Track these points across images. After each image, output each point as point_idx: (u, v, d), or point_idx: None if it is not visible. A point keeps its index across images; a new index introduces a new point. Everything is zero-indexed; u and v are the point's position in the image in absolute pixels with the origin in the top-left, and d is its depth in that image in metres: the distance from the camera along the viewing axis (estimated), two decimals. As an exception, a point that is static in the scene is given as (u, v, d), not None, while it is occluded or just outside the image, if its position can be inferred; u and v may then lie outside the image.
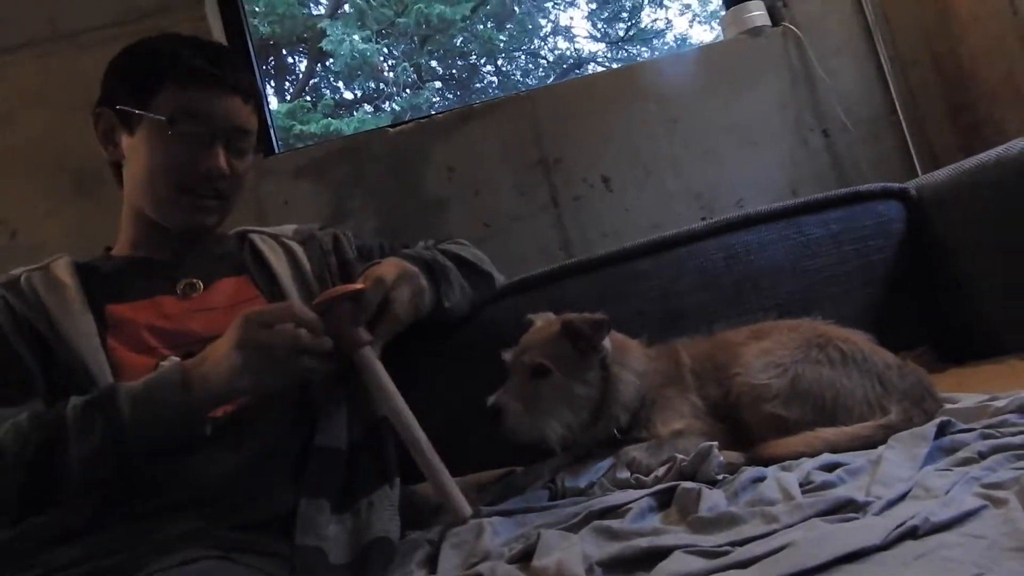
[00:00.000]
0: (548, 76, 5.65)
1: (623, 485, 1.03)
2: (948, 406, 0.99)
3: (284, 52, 5.38)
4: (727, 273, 1.39)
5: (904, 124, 1.97)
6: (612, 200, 1.95)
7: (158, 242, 1.16)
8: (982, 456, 0.77)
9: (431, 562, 0.91)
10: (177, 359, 1.00)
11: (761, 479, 0.88)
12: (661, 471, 1.01)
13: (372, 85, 5.88)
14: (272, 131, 2.14)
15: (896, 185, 1.48)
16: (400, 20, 5.35)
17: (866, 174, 1.92)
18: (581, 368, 1.11)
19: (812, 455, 0.94)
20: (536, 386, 1.09)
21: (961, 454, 0.80)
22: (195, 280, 1.13)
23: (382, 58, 5.65)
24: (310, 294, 1.17)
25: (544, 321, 1.18)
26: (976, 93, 1.95)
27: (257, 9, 5.45)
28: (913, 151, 1.96)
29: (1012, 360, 1.17)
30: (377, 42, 5.33)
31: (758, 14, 2.03)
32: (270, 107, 2.16)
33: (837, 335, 1.08)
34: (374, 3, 5.54)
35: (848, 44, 2.02)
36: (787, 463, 0.94)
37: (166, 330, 1.06)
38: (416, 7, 5.19)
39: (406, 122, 2.02)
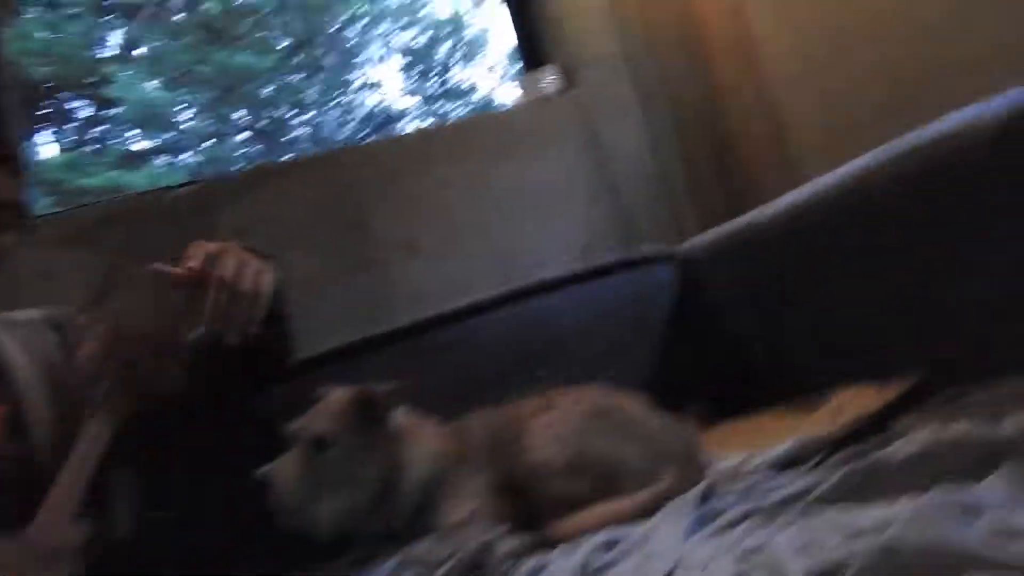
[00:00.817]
0: (361, 130, 5.59)
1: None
2: (717, 465, 1.05)
3: (63, 97, 4.87)
4: (522, 341, 1.42)
5: (680, 187, 2.15)
6: (419, 264, 1.93)
7: None
8: (736, 523, 0.82)
9: None
10: None
11: (541, 569, 0.88)
12: (448, 565, 0.97)
13: (169, 135, 5.48)
14: (30, 192, 1.90)
15: (669, 248, 1.60)
16: (199, 68, 5.06)
17: (650, 234, 2.06)
18: (368, 444, 1.06)
19: (598, 530, 0.96)
20: (317, 460, 1.02)
21: (722, 520, 0.84)
22: None
23: (180, 107, 5.29)
24: (57, 389, 1.04)
25: (332, 394, 1.12)
26: (739, 157, 2.19)
27: (31, 48, 4.91)
28: (688, 212, 2.14)
29: (771, 413, 1.28)
30: (173, 90, 4.99)
31: (551, 79, 2.14)
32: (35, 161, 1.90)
33: (616, 402, 1.13)
34: (170, 49, 5.20)
35: (631, 111, 2.18)
36: (572, 543, 0.94)
37: None
38: (218, 55, 4.95)
39: (191, 183, 1.88)
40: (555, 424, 1.08)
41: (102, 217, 1.78)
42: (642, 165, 2.15)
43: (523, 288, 1.50)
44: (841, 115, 1.76)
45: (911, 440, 0.76)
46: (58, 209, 2.24)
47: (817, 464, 0.91)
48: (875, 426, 0.93)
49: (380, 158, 1.97)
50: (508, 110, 2.29)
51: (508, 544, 0.96)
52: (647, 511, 0.97)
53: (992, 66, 1.37)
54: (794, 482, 0.86)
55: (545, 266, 1.98)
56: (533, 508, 1.06)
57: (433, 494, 1.07)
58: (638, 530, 0.90)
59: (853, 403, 1.06)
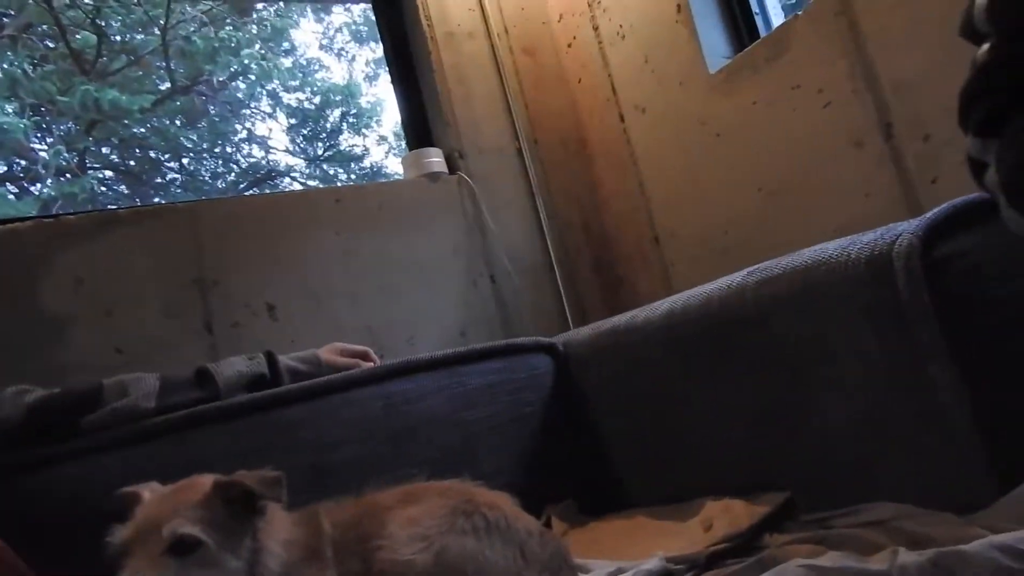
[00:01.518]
0: (240, 182, 5.37)
1: None
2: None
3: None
4: (385, 423, 1.32)
5: (559, 278, 2.17)
6: (276, 329, 1.79)
7: None
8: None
9: None
10: None
11: None
12: None
13: (20, 163, 5.02)
14: None
15: (546, 340, 1.58)
16: (62, 99, 4.70)
17: (527, 321, 2.06)
18: (236, 539, 0.91)
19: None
20: (178, 566, 0.85)
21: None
22: None
23: (36, 136, 4.87)
24: None
25: (152, 491, 0.96)
26: (616, 255, 2.25)
27: None
28: (566, 303, 2.15)
29: (639, 516, 1.25)
30: (29, 118, 4.59)
31: (436, 160, 2.13)
32: None
33: (483, 500, 1.05)
34: (32, 75, 4.82)
35: (515, 201, 2.20)
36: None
37: None
38: (83, 88, 4.63)
39: (33, 218, 1.67)
40: (418, 520, 0.99)
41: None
42: (524, 254, 2.17)
43: (390, 367, 1.40)
44: (716, 230, 1.86)
45: (784, 571, 0.73)
46: None
47: (689, 582, 0.88)
48: (747, 544, 0.91)
49: (245, 214, 1.85)
50: (392, 182, 2.26)
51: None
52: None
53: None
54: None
55: (417, 344, 1.92)
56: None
57: None
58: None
59: (722, 517, 1.04)
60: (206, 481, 0.93)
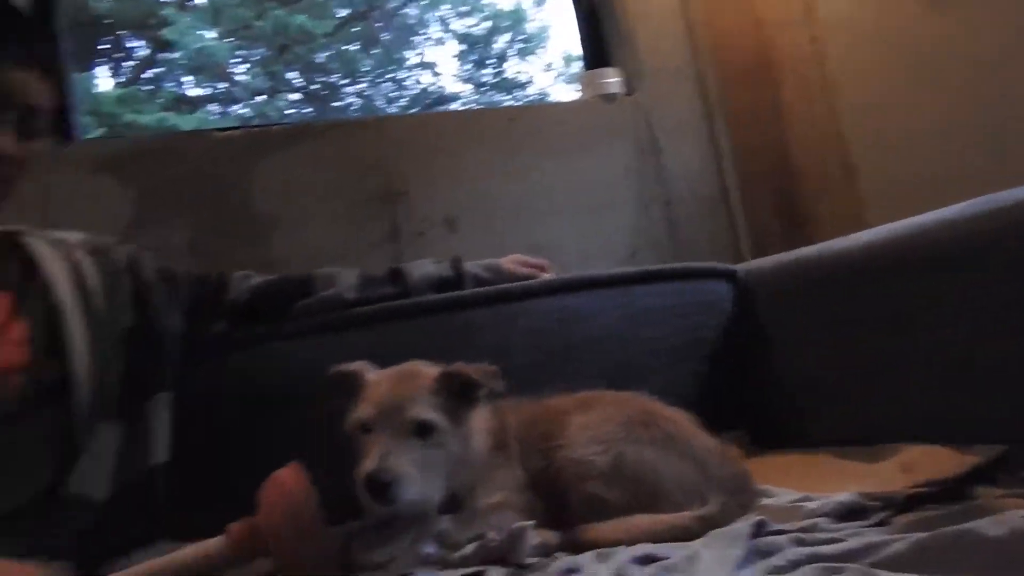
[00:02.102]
0: (411, 107, 5.55)
1: (427, 562, 0.91)
2: (764, 501, 0.97)
3: (122, 35, 4.87)
4: (559, 335, 1.34)
5: (736, 208, 2.07)
6: (455, 242, 1.86)
7: None
8: (795, 565, 0.74)
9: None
10: None
11: (575, 570, 0.80)
12: (470, 549, 0.91)
13: (221, 86, 5.48)
14: (73, 114, 1.85)
15: (725, 267, 1.52)
16: (257, 24, 5.04)
17: (700, 249, 1.99)
18: (459, 423, 0.99)
19: (629, 543, 0.88)
20: (422, 447, 0.93)
21: (774, 560, 0.76)
22: None
23: (235, 59, 5.28)
24: (91, 312, 1.00)
25: (370, 371, 1.04)
26: (800, 187, 2.10)
27: (92, -18, 4.92)
28: (741, 235, 2.06)
29: (823, 453, 1.19)
30: (229, 42, 4.98)
31: (613, 81, 2.07)
32: (70, 84, 1.85)
33: (662, 414, 1.05)
34: (229, 1, 5.19)
35: (691, 125, 2.10)
36: (604, 551, 0.87)
37: None
38: (275, 13, 4.92)
39: (235, 128, 1.82)
40: (595, 425, 1.01)
41: (140, 149, 1.74)
42: (699, 180, 2.08)
43: (566, 281, 1.42)
44: (912, 166, 1.68)
45: (1001, 521, 0.67)
46: (98, 134, 2.19)
47: (882, 521, 0.83)
48: (952, 493, 0.84)
49: (426, 130, 1.91)
50: (565, 104, 2.22)
51: (535, 539, 0.88)
52: (686, 535, 0.89)
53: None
54: (860, 535, 0.77)
55: (585, 266, 1.92)
56: (563, 507, 0.99)
57: (476, 470, 1.00)
58: (679, 551, 0.82)
59: (925, 462, 0.97)
60: (426, 369, 1.00)
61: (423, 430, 0.94)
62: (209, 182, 1.74)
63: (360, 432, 0.95)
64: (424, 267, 1.38)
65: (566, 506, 0.99)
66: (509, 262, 1.49)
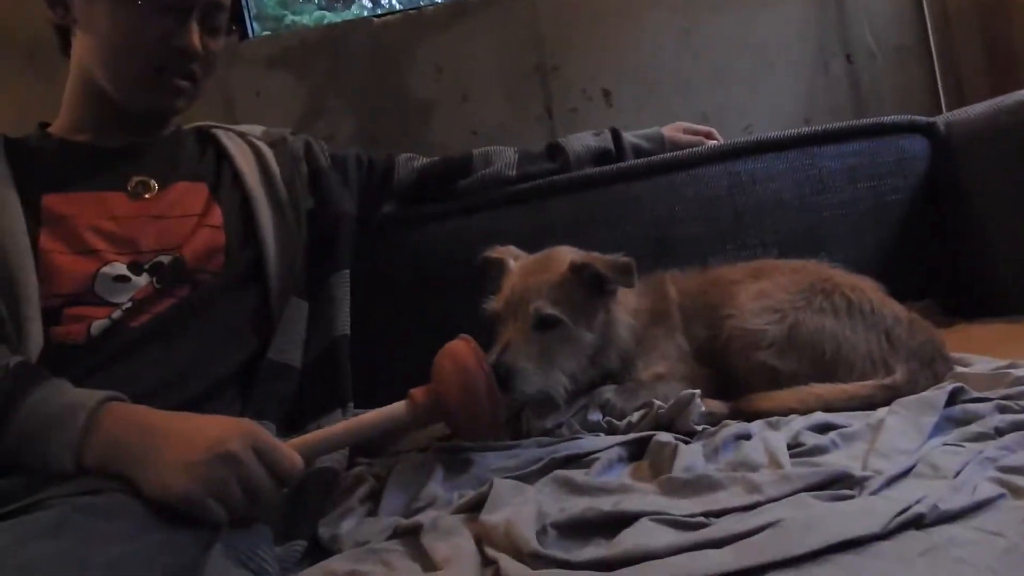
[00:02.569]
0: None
1: (593, 429, 0.94)
2: (960, 369, 0.89)
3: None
4: (728, 203, 1.27)
5: (935, 54, 1.80)
6: (611, 116, 1.80)
7: (110, 126, 1.02)
8: (999, 433, 0.68)
9: (374, 498, 0.83)
10: (116, 315, 0.89)
11: (745, 437, 0.79)
12: (635, 417, 0.92)
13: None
14: (248, 12, 1.95)
15: (924, 119, 1.34)
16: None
17: (888, 108, 1.77)
18: (589, 314, 0.99)
19: (803, 412, 0.85)
20: (542, 339, 0.95)
21: (974, 428, 0.71)
22: (148, 179, 1.00)
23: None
24: (276, 198, 1.07)
25: (515, 257, 1.05)
26: (1016, 27, 1.78)
27: None
28: (942, 90, 1.80)
29: (1032, 321, 1.07)
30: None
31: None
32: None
33: (844, 281, 0.98)
34: None
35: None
36: (775, 419, 0.85)
37: (113, 233, 0.93)
38: None
39: (391, 12, 1.83)
40: (769, 293, 0.96)
41: (307, 43, 1.80)
42: (890, 28, 1.82)
43: (738, 144, 1.33)
44: None
45: None
46: (268, 32, 2.29)
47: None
48: None
49: (572, 1, 1.81)
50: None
51: (702, 407, 0.88)
52: (867, 404, 0.85)
53: None
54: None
55: (753, 132, 1.78)
56: (728, 380, 0.97)
57: (629, 349, 1.01)
58: (860, 420, 0.78)
59: None
60: (563, 258, 1.00)
61: (543, 324, 0.95)
62: (371, 69, 1.78)
63: (494, 321, 0.98)
64: (583, 140, 1.34)
65: (734, 377, 0.97)
66: (672, 130, 1.41)
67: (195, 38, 0.97)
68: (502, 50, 1.79)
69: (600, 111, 1.80)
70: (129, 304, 0.90)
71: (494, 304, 0.99)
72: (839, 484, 0.64)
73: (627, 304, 1.04)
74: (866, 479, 0.63)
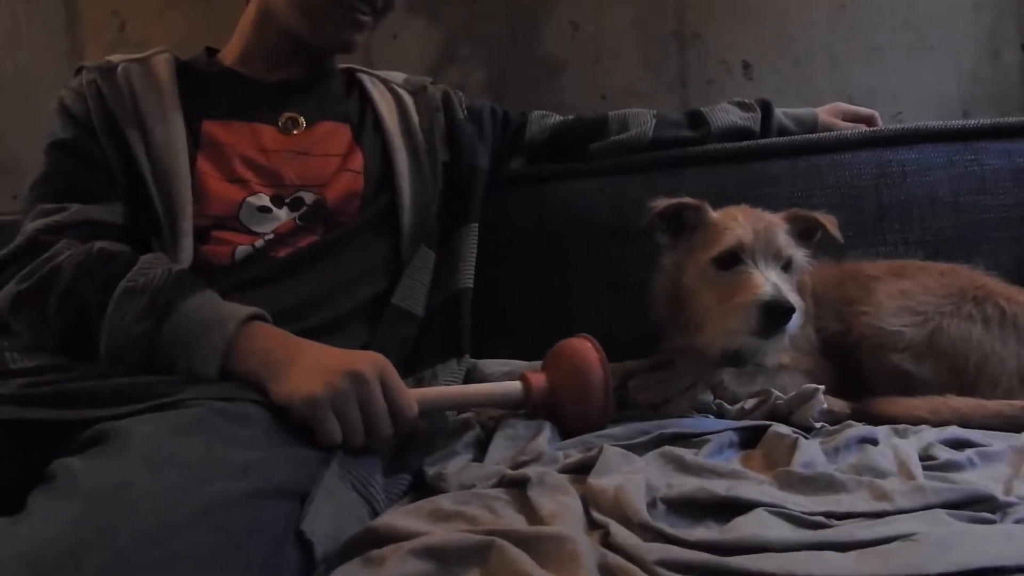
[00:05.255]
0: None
1: (702, 409, 0.92)
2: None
3: None
4: (873, 194, 1.19)
5: None
6: (750, 89, 1.71)
7: (276, 59, 1.06)
8: None
9: (480, 446, 0.84)
10: (258, 244, 0.93)
11: (871, 441, 0.75)
12: (750, 404, 0.89)
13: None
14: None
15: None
16: None
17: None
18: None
19: (935, 424, 0.80)
20: (786, 279, 0.91)
21: None
22: (298, 116, 1.04)
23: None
24: (414, 147, 1.10)
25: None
26: None
27: None
28: None
29: None
30: None
31: None
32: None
33: (1000, 291, 0.90)
34: None
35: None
36: (902, 427, 0.80)
37: (261, 165, 0.98)
38: None
39: (520, -31, 1.80)
40: (912, 294, 0.90)
41: (446, -8, 1.80)
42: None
43: (891, 131, 1.23)
44: None
45: None
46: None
47: None
48: None
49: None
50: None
51: (823, 404, 0.84)
52: (1011, 425, 0.79)
53: None
54: None
55: (904, 120, 1.66)
56: (854, 379, 0.92)
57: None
58: (1002, 441, 0.73)
59: None
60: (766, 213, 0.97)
61: (789, 265, 0.92)
62: (507, 22, 1.77)
63: (727, 260, 0.91)
64: (729, 115, 1.28)
65: (861, 376, 0.92)
66: (828, 112, 1.33)
67: None
68: (641, 13, 1.73)
69: (738, 84, 1.71)
70: (271, 236, 0.94)
71: (742, 236, 0.91)
72: (979, 506, 0.59)
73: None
74: (1010, 505, 0.59)
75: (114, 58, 1.02)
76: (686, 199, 0.98)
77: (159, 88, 0.98)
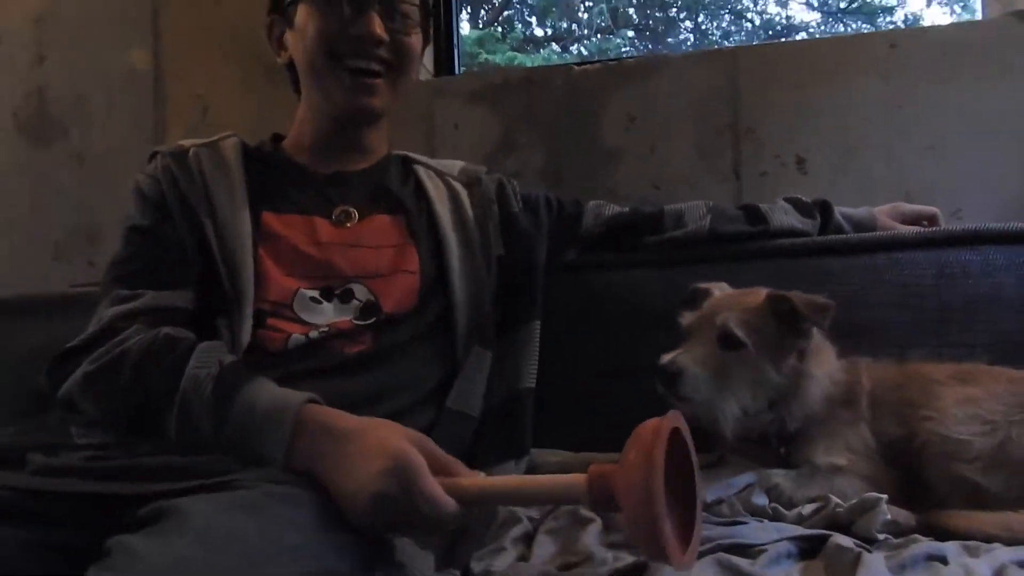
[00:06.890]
0: (751, 40, 5.22)
1: (757, 513, 0.89)
2: None
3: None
4: (933, 293, 1.16)
5: None
6: (804, 183, 1.72)
7: (328, 148, 1.09)
8: None
9: (527, 541, 0.83)
10: (313, 335, 0.95)
11: (940, 559, 0.71)
12: (807, 509, 0.86)
13: (563, 25, 5.75)
14: (456, 51, 2.08)
15: None
16: (603, -44, 5.12)
17: None
18: (779, 352, 0.95)
19: (1007, 543, 0.76)
20: (723, 357, 0.94)
21: None
22: (351, 209, 1.05)
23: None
24: (468, 242, 1.09)
25: (721, 290, 1.04)
26: None
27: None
28: None
29: None
30: (576, -18, 5.14)
31: (1028, -8, 1.68)
32: (458, 26, 2.09)
33: (1070, 400, 0.86)
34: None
35: None
36: (972, 544, 0.76)
37: (313, 259, 1.00)
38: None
39: (592, 62, 1.88)
40: (979, 401, 0.87)
41: (507, 82, 1.88)
42: None
43: (951, 232, 1.22)
44: None
45: None
46: (468, 69, 2.45)
47: None
48: None
49: (782, 61, 1.75)
50: (967, 23, 1.87)
51: (886, 515, 0.80)
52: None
53: None
54: None
55: (964, 217, 1.64)
56: (917, 488, 0.88)
57: (812, 426, 0.95)
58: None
59: None
60: (764, 292, 0.99)
61: (727, 341, 0.94)
62: (565, 112, 1.83)
63: (684, 337, 0.99)
64: (787, 215, 1.27)
65: (925, 486, 0.88)
66: (887, 212, 1.31)
67: (373, 26, 0.99)
68: (696, 106, 1.78)
69: (791, 177, 1.73)
70: (326, 329, 0.95)
71: (687, 318, 1.00)
72: (1060, 639, 0.56)
73: (828, 369, 0.99)
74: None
75: (185, 143, 1.06)
76: (701, 284, 1.05)
77: (228, 173, 1.02)
